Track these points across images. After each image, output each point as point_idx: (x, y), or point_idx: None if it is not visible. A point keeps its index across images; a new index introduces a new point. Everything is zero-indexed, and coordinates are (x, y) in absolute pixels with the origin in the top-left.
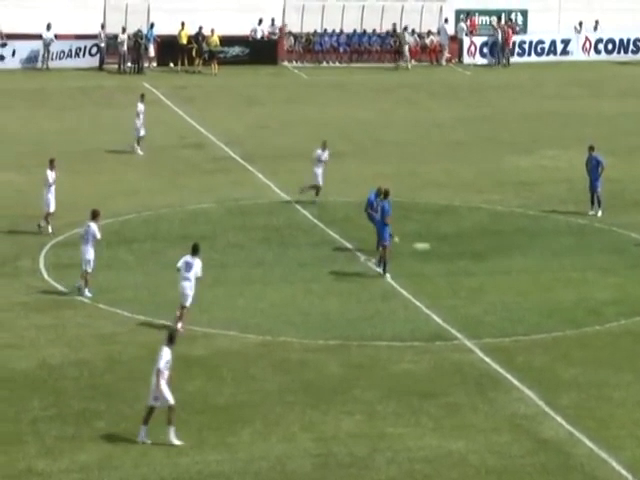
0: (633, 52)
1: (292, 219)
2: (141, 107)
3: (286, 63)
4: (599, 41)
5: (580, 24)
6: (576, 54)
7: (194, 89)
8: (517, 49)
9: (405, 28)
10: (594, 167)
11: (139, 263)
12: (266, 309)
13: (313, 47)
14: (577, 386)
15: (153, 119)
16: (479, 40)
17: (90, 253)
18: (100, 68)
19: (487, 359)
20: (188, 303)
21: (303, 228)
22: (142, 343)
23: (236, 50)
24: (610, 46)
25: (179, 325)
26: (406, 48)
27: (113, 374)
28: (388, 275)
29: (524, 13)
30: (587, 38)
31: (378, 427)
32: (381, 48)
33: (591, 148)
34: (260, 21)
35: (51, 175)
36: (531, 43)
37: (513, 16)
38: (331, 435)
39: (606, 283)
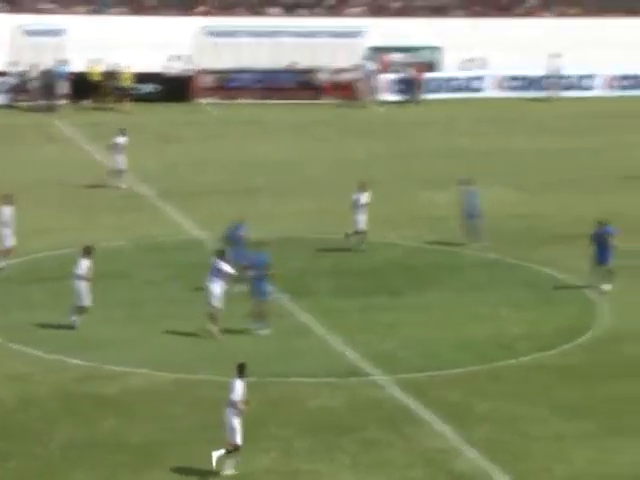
0: (542, 89)
1: (207, 256)
2: (121, 140)
3: (200, 100)
4: (510, 78)
5: (471, 60)
6: (488, 91)
7: (106, 126)
8: (430, 86)
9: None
10: (470, 200)
11: (53, 302)
12: (180, 346)
13: (227, 84)
14: (491, 420)
15: (65, 157)
16: (392, 77)
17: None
18: (10, 105)
19: (402, 394)
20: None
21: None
22: (55, 383)
23: (149, 87)
24: (520, 83)
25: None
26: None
27: (26, 414)
28: (266, 331)
29: (437, 50)
30: (499, 75)
31: (294, 464)
32: (296, 85)
33: (464, 182)
34: (174, 58)
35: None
36: (444, 80)
37: (426, 53)
38: (247, 472)
39: (519, 318)
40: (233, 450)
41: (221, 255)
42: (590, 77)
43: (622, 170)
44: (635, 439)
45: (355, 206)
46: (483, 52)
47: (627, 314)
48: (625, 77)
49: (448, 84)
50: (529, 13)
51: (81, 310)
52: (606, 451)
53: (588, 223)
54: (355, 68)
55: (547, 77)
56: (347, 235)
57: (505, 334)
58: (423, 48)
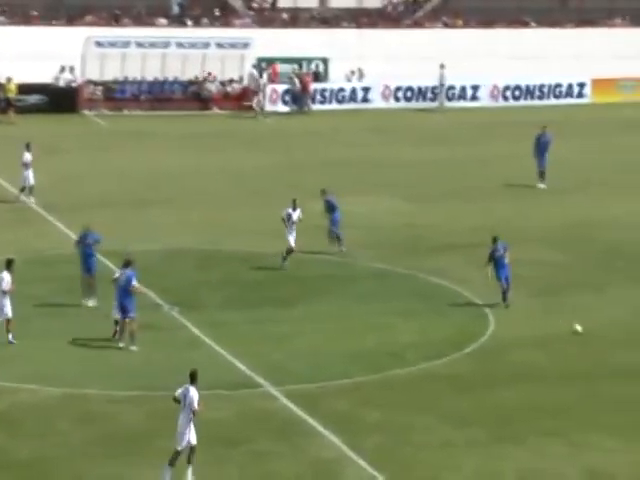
0: (430, 99)
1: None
2: (28, 157)
3: (86, 111)
4: (398, 89)
5: (353, 72)
6: (376, 102)
7: None
8: (318, 97)
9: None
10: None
11: None
12: (68, 361)
13: (114, 95)
14: (381, 429)
15: None
16: (280, 88)
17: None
18: None
19: (292, 405)
20: None
21: (107, 276)
22: None
23: (35, 98)
24: (408, 93)
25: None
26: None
27: None
28: (134, 347)
29: (325, 61)
30: (387, 86)
31: (184, 476)
32: (184, 96)
33: (325, 192)
34: (61, 69)
35: None
36: (332, 91)
37: (314, 64)
38: None
39: (408, 327)
40: (175, 455)
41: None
42: (476, 87)
43: (508, 179)
44: (521, 446)
45: (287, 223)
46: (371, 63)
47: (513, 323)
48: (510, 88)
49: (336, 95)
50: (417, 24)
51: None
52: (493, 458)
53: (476, 232)
54: (244, 79)
55: (434, 88)
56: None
57: (395, 343)
58: (311, 59)
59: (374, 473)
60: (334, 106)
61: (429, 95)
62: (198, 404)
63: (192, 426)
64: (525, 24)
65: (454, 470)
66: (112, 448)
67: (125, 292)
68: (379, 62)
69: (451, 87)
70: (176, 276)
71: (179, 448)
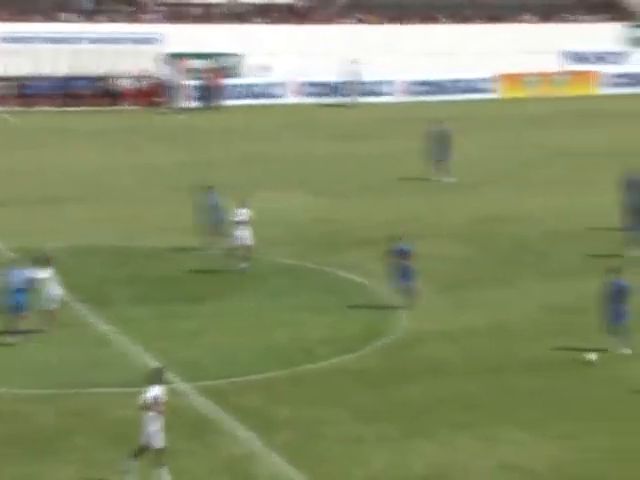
0: (342, 95)
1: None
2: None
3: None
4: (311, 84)
5: (263, 68)
6: (289, 97)
7: None
8: (231, 92)
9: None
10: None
11: None
12: None
13: (24, 91)
14: (292, 425)
15: None
16: (192, 84)
17: None
18: None
19: (204, 402)
20: None
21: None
22: None
23: None
24: (320, 89)
25: None
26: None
27: None
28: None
29: (237, 57)
30: (299, 82)
31: (97, 474)
32: (95, 92)
33: (205, 188)
34: None
35: None
36: (244, 86)
37: (226, 60)
38: None
39: (320, 322)
40: (156, 454)
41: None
42: (388, 83)
43: (420, 174)
44: (431, 440)
45: (234, 222)
46: (283, 58)
47: (423, 317)
48: (422, 83)
49: (248, 90)
50: (329, 20)
51: None
52: (404, 453)
53: (388, 227)
54: (155, 75)
55: (346, 83)
56: (229, 254)
57: (306, 339)
58: (223, 55)
59: (286, 468)
60: (247, 102)
61: (342, 91)
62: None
63: (160, 426)
64: (435, 20)
65: (364, 465)
66: (23, 447)
67: (19, 290)
68: (291, 57)
69: (363, 83)
70: (85, 273)
71: (143, 445)
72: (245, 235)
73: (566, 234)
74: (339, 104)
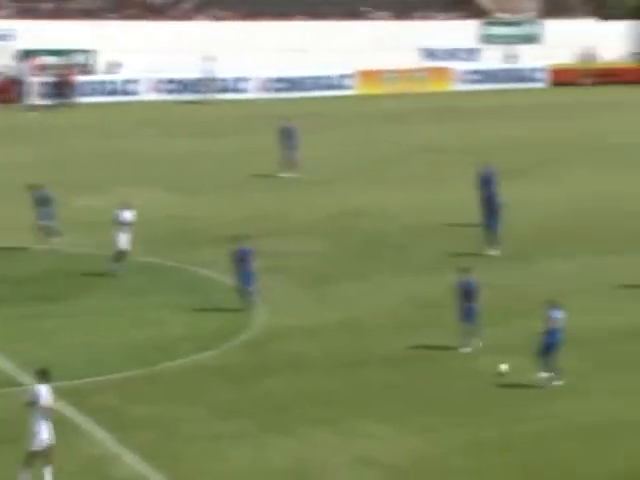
0: (199, 92)
1: None
2: None
3: None
4: (168, 81)
5: (115, 64)
6: (145, 94)
7: None
8: (84, 89)
9: None
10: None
11: None
12: None
13: None
14: (151, 424)
15: None
16: (44, 81)
17: None
18: None
19: (61, 402)
20: None
21: None
22: None
23: None
24: (176, 86)
25: None
26: None
27: None
28: None
29: (91, 53)
30: (155, 78)
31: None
32: None
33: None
34: None
35: None
36: (98, 83)
37: (79, 56)
38: None
39: (179, 320)
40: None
41: None
42: (244, 80)
43: (276, 171)
44: (290, 436)
45: (116, 224)
46: (139, 55)
47: (282, 313)
48: (278, 80)
49: (103, 87)
50: (183, 16)
51: None
52: (263, 448)
53: (245, 224)
54: (5, 71)
55: (202, 80)
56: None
57: (165, 337)
58: (76, 51)
59: (144, 468)
60: (101, 99)
61: (198, 88)
62: (50, 401)
63: (48, 425)
64: (290, 17)
65: (223, 461)
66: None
67: None
68: (147, 54)
69: (220, 79)
70: None
71: (34, 449)
72: (124, 238)
73: (423, 229)
74: (196, 101)
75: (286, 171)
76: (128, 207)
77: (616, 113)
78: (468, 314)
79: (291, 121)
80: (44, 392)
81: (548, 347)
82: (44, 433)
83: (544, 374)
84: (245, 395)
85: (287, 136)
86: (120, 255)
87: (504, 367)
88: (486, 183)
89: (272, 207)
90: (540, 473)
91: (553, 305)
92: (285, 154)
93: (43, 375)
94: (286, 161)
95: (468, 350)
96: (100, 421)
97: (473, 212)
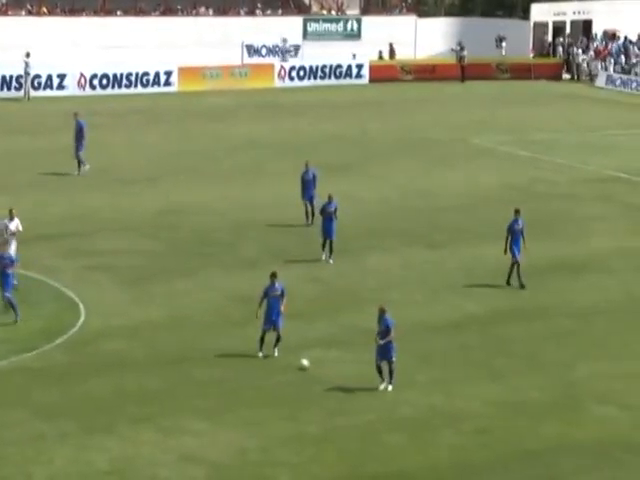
0: (15, 88)
1: None
2: None
3: None
4: (94, 76)
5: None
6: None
7: None
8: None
9: None
10: None
11: None
12: None
13: None
14: None
15: None
16: None
17: None
18: None
19: None
20: None
21: None
22: None
23: None
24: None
25: None
26: None
27: None
28: None
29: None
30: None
31: None
32: None
33: None
34: None
35: None
36: (34, 78)
37: None
38: None
39: None
40: None
41: None
42: (62, 76)
43: (97, 168)
44: (112, 435)
45: (6, 235)
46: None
47: (104, 312)
48: (97, 76)
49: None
50: (2, 11)
51: None
52: (85, 449)
53: (63, 222)
54: None
55: (19, 76)
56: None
57: None
58: None
59: None
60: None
61: (14, 84)
62: None
63: None
64: (110, 13)
65: (45, 464)
66: None
67: None
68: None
69: (37, 76)
70: None
71: None
72: (12, 249)
73: (249, 225)
74: (12, 98)
75: (79, 167)
76: (13, 217)
77: (435, 108)
78: (277, 315)
79: (78, 117)
80: None
81: (385, 354)
82: None
83: (385, 383)
84: (67, 395)
85: (77, 132)
86: None
87: (305, 362)
88: (307, 181)
89: (93, 205)
90: (362, 465)
91: (384, 311)
92: (76, 150)
93: None
94: (78, 157)
95: (260, 355)
96: None
97: (297, 207)
